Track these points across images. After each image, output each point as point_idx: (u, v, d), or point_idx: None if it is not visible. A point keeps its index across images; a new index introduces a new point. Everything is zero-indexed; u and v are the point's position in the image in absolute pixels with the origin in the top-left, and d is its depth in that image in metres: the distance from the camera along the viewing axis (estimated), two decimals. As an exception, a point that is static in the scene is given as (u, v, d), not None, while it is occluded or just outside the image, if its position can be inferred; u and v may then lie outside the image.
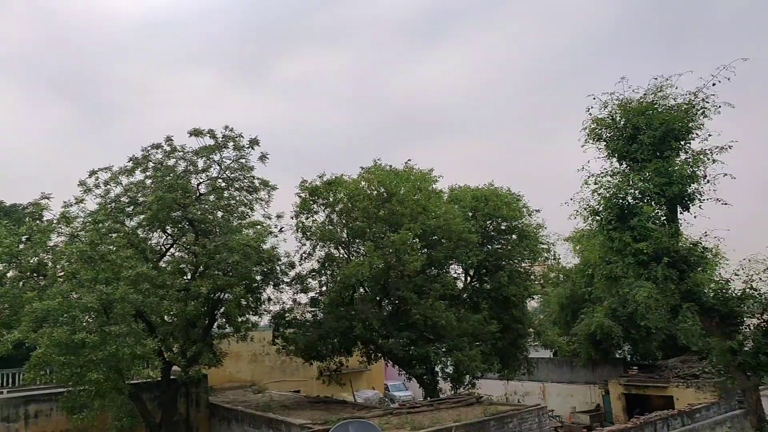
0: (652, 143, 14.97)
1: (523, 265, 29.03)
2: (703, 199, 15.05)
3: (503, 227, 28.22)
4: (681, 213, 15.40)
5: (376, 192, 25.24)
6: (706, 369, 26.03)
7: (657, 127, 14.90)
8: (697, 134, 15.21)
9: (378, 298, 25.43)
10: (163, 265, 21.75)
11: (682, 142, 15.21)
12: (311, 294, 26.49)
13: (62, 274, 18.43)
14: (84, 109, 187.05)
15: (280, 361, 32.45)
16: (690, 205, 15.21)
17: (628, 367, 33.02)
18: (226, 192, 22.40)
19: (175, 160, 21.76)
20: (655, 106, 15.27)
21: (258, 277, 22.89)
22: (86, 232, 19.62)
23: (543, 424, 19.28)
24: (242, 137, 21.98)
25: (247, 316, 22.74)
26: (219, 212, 22.00)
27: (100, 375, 16.43)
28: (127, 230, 20.85)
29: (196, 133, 21.46)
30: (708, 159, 14.89)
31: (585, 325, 31.72)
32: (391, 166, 26.78)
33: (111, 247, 18.95)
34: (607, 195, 15.32)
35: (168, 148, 21.76)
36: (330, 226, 25.65)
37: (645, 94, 15.51)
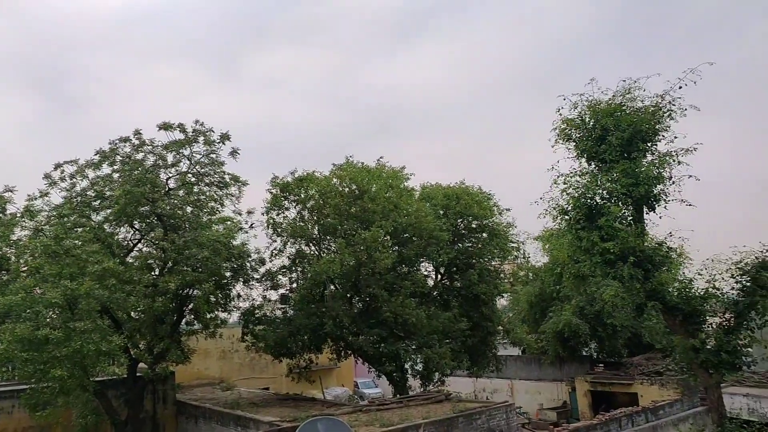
0: (620, 144, 15.16)
1: (493, 263, 29.23)
2: (669, 200, 15.30)
3: (474, 225, 28.40)
4: (647, 213, 15.62)
5: (347, 189, 25.19)
6: (669, 366, 26.53)
7: (625, 128, 15.11)
8: (663, 136, 15.43)
9: (349, 295, 25.41)
10: (131, 261, 21.48)
11: (649, 144, 15.43)
12: (281, 291, 26.42)
13: (26, 268, 18.05)
14: (53, 101, 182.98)
15: (250, 359, 32.26)
16: (656, 205, 15.42)
17: (594, 364, 33.53)
18: (196, 187, 22.17)
19: (143, 154, 21.45)
20: (623, 108, 15.47)
21: (228, 274, 22.74)
22: (51, 226, 19.26)
23: (510, 420, 19.47)
24: (213, 132, 21.77)
25: (216, 312, 22.55)
26: (188, 207, 21.77)
27: (64, 372, 16.07)
28: (94, 225, 20.49)
29: (165, 127, 21.16)
30: (673, 161, 15.15)
31: (553, 323, 32.12)
32: (363, 163, 26.77)
33: (76, 241, 18.58)
34: (576, 195, 15.45)
35: (137, 142, 21.44)
36: (301, 223, 25.53)
37: (614, 96, 15.70)
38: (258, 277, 24.93)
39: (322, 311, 23.75)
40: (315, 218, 25.42)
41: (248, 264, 23.83)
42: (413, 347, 25.00)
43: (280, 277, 25.89)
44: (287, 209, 26.04)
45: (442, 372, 26.04)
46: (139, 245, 22.41)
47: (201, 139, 21.63)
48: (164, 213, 20.51)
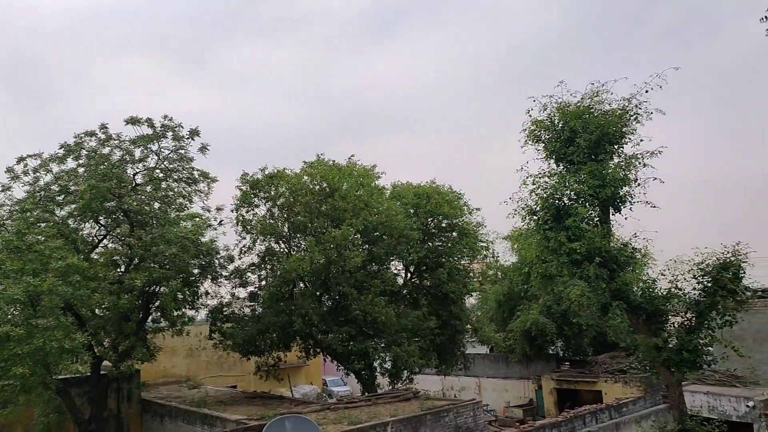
0: (587, 146, 15.39)
1: (462, 262, 29.40)
2: (634, 202, 15.60)
3: (444, 225, 28.54)
4: (613, 214, 15.87)
5: (318, 187, 25.09)
6: (632, 365, 26.96)
7: (593, 130, 15.33)
8: (630, 139, 15.70)
9: (318, 293, 25.34)
10: (96, 257, 21.12)
11: (616, 146, 15.69)
12: (250, 288, 26.20)
13: (-14, 264, 17.59)
14: (16, 94, 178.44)
15: (217, 356, 31.95)
16: (621, 207, 15.70)
17: (560, 362, 33.99)
18: (164, 183, 21.89)
19: (110, 148, 21.08)
20: (592, 110, 15.70)
21: (195, 271, 22.53)
22: (13, 221, 18.87)
23: (478, 418, 19.67)
24: (182, 127, 21.50)
25: (184, 310, 22.29)
26: (156, 203, 21.47)
27: (25, 369, 15.72)
28: (57, 220, 20.07)
29: (133, 121, 20.82)
30: (639, 163, 15.44)
31: (521, 321, 32.48)
32: (334, 161, 26.68)
33: (39, 237, 18.21)
34: (544, 195, 15.62)
35: (103, 136, 21.06)
36: (271, 220, 25.36)
37: (582, 98, 15.91)
38: (227, 274, 24.76)
39: (292, 309, 23.65)
40: (285, 216, 25.27)
41: (217, 261, 23.66)
42: (382, 345, 25.05)
43: (249, 274, 25.71)
44: (257, 206, 25.83)
45: (410, 370, 26.16)
46: (105, 241, 22.05)
47: (169, 134, 21.33)
48: (131, 209, 20.18)
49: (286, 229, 25.38)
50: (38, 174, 20.70)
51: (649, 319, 15.39)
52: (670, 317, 15.58)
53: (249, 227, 25.22)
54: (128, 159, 21.19)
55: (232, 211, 25.12)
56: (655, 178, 15.24)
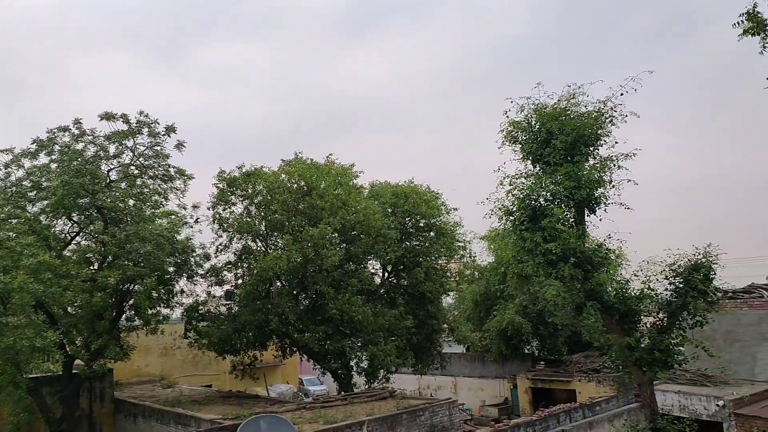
0: (563, 148, 15.53)
1: (439, 262, 29.52)
2: (608, 203, 15.80)
3: (422, 224, 28.61)
4: (588, 216, 16.08)
5: (296, 185, 25.00)
6: (606, 364, 27.31)
7: (569, 132, 15.48)
8: (605, 141, 15.90)
9: (295, 292, 25.24)
10: (68, 254, 20.78)
11: (591, 148, 15.87)
12: (226, 287, 26.03)
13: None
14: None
15: (192, 355, 31.67)
16: (596, 208, 15.90)
17: (535, 362, 34.27)
18: (139, 180, 21.61)
19: (84, 144, 20.75)
20: (568, 112, 15.85)
21: (171, 269, 22.30)
22: (-17, 217, 18.46)
23: (453, 417, 19.75)
24: (158, 123, 21.27)
25: (158, 308, 22.08)
26: (131, 200, 21.18)
27: (-6, 368, 15.47)
28: (29, 216, 19.71)
29: (107, 116, 20.51)
30: (614, 165, 15.64)
31: (497, 321, 32.68)
32: (312, 159, 26.62)
33: (10, 233, 17.89)
34: (521, 196, 15.71)
35: (76, 132, 20.73)
36: (248, 218, 25.20)
37: (559, 100, 16.07)
38: (202, 272, 24.57)
39: (268, 308, 23.54)
40: (262, 214, 25.13)
41: (192, 259, 23.46)
42: (359, 344, 25.05)
43: (225, 272, 25.53)
44: (234, 204, 25.67)
45: (387, 369, 26.18)
46: (78, 238, 21.71)
47: (145, 130, 21.09)
48: (105, 205, 19.89)
49: (263, 228, 25.25)
50: (10, 169, 20.34)
51: (622, 319, 15.61)
52: (642, 317, 15.81)
53: (226, 225, 25.05)
54: (102, 155, 20.88)
55: (208, 208, 24.99)
56: (630, 180, 15.47)
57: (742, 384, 22.97)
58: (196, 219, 23.38)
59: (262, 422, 14.24)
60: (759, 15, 9.53)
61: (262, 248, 25.46)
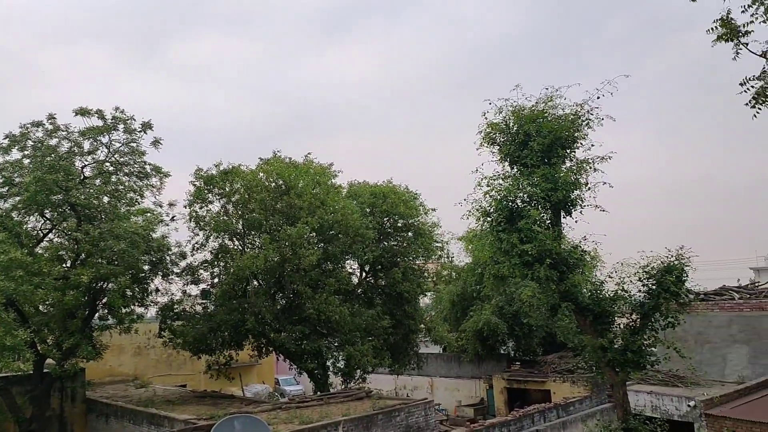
0: (541, 150, 15.63)
1: (417, 262, 29.60)
2: (584, 205, 15.94)
3: (400, 224, 28.66)
4: (564, 217, 16.19)
5: (274, 184, 24.89)
6: (580, 365, 27.55)
7: (546, 134, 15.57)
8: (581, 144, 16.01)
9: (272, 291, 25.11)
10: (40, 252, 20.43)
11: (568, 151, 15.98)
12: (202, 286, 25.82)
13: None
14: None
15: (167, 355, 31.33)
16: (572, 210, 16.03)
17: (511, 362, 34.51)
18: (114, 176, 21.35)
19: (57, 140, 20.47)
20: (546, 114, 15.96)
21: (146, 267, 22.08)
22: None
23: (429, 417, 19.82)
24: (134, 120, 21.04)
25: (133, 307, 21.79)
26: (105, 197, 20.91)
27: (-37, 367, 15.16)
28: (0, 212, 19.37)
29: (82, 112, 20.25)
30: (590, 168, 15.78)
31: (473, 321, 32.84)
32: (290, 158, 26.52)
33: (-20, 230, 17.53)
34: (498, 197, 15.76)
35: (50, 127, 20.42)
36: (225, 217, 25.02)
37: (537, 102, 16.16)
38: (178, 271, 24.36)
39: (244, 307, 23.38)
40: (239, 212, 24.96)
41: (168, 257, 23.24)
42: (335, 344, 25.00)
43: (201, 271, 25.35)
44: (211, 203, 25.47)
45: (363, 369, 26.15)
46: (50, 235, 21.38)
47: (121, 126, 20.86)
48: (78, 202, 19.59)
49: (240, 226, 25.09)
50: (-20, 165, 19.94)
51: (595, 320, 15.74)
52: (615, 318, 15.96)
53: (202, 224, 24.85)
54: (77, 151, 20.60)
55: (185, 206, 24.77)
56: (605, 183, 15.63)
57: (712, 385, 23.34)
58: (173, 217, 23.20)
59: (237, 422, 14.14)
60: (732, 21, 9.65)
61: (239, 247, 25.29)
